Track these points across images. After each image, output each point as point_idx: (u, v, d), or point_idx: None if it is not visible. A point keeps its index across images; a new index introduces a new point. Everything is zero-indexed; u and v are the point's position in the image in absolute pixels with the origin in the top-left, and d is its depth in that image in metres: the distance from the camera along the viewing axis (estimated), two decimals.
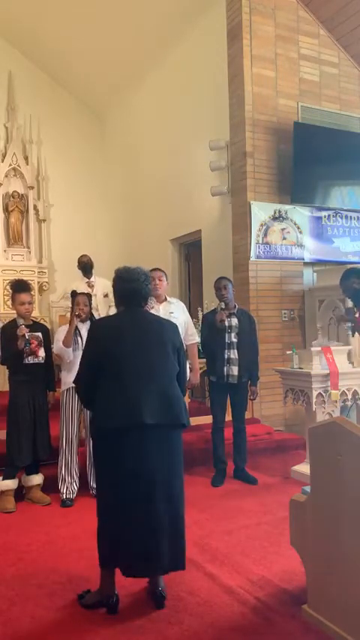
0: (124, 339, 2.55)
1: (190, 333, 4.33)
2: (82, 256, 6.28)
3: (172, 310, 4.21)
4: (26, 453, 3.98)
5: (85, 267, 6.14)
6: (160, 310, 4.14)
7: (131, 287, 2.66)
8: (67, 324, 4.18)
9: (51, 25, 7.72)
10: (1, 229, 8.51)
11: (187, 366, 4.27)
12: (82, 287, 5.55)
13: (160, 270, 4.30)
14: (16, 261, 8.49)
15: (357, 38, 6.41)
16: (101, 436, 2.53)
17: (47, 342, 4.13)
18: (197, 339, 4.46)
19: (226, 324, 4.42)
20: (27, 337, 3.92)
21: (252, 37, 5.92)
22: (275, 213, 6.00)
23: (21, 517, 3.81)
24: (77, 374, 2.75)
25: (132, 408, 2.44)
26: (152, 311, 4.04)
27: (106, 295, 6.03)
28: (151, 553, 2.48)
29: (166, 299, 4.26)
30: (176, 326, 2.83)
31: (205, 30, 6.72)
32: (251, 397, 4.63)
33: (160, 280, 4.22)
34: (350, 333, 5.01)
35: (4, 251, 8.45)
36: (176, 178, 7.45)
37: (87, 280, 6.06)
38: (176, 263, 7.80)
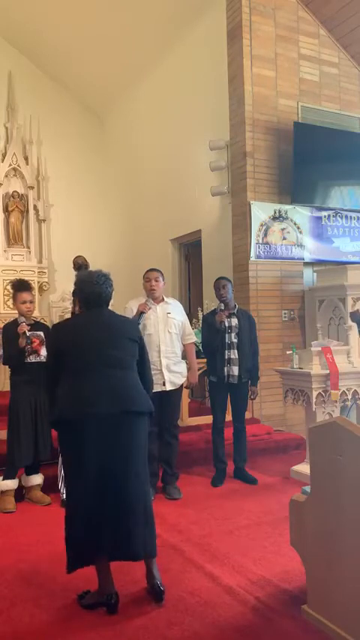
0: (82, 336, 2.66)
1: (187, 333, 4.31)
2: (76, 257, 6.26)
3: (170, 311, 4.17)
4: (27, 453, 3.98)
5: (81, 268, 6.12)
6: (158, 311, 4.12)
7: (90, 290, 2.74)
8: None
9: (51, 25, 7.72)
10: (1, 229, 8.51)
11: (185, 365, 4.27)
12: None
13: (156, 270, 4.21)
14: (16, 261, 8.50)
15: (357, 38, 6.41)
16: (59, 426, 2.63)
17: None
18: (194, 338, 4.45)
19: (226, 324, 4.42)
20: (28, 335, 3.92)
21: (252, 37, 5.92)
22: (275, 213, 6.00)
23: (21, 517, 3.81)
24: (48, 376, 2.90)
25: (87, 399, 2.53)
26: (150, 312, 4.05)
27: None
28: (107, 538, 2.52)
29: (163, 299, 4.22)
30: (134, 323, 2.98)
31: (205, 30, 6.72)
32: (251, 397, 4.63)
33: (156, 281, 4.13)
34: None
35: (4, 251, 8.46)
36: (176, 178, 7.45)
37: None
38: (176, 263, 7.80)
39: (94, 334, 2.66)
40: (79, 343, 2.64)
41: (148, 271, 4.21)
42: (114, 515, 2.53)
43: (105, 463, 2.53)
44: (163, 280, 4.22)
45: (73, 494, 2.60)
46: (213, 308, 4.71)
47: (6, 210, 8.53)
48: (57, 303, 8.65)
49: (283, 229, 6.04)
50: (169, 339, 4.10)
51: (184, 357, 4.31)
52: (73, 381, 2.60)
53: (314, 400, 4.22)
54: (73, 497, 2.59)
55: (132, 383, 2.70)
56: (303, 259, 6.18)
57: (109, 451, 2.54)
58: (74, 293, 4.31)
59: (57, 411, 2.62)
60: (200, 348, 4.84)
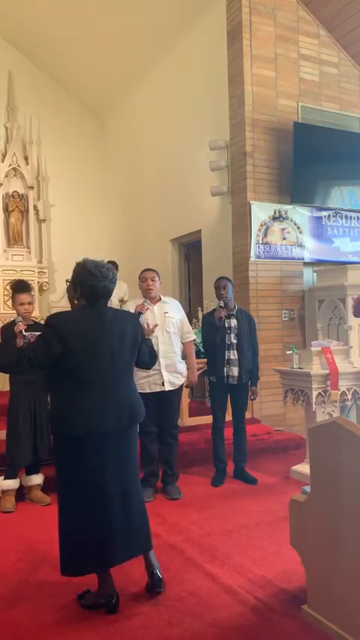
0: (89, 341, 2.52)
1: (185, 331, 4.29)
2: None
3: (167, 310, 4.15)
4: (26, 453, 3.99)
5: None
6: (155, 311, 4.10)
7: (102, 285, 2.59)
8: None
9: (51, 25, 7.71)
10: (1, 229, 8.51)
11: (185, 365, 4.27)
12: None
13: (152, 270, 4.17)
14: (16, 261, 8.50)
15: (357, 38, 6.40)
16: (61, 440, 2.55)
17: None
18: (194, 337, 4.44)
19: (226, 324, 4.42)
20: (25, 335, 3.90)
21: (252, 37, 5.92)
22: (275, 213, 6.00)
23: (21, 517, 3.82)
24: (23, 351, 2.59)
25: (93, 416, 2.48)
26: (148, 312, 4.01)
27: (121, 300, 5.95)
28: (114, 547, 2.53)
29: (160, 299, 4.19)
30: (135, 318, 2.81)
31: (205, 30, 6.72)
32: (251, 397, 4.63)
33: (152, 281, 4.09)
34: None
35: (4, 251, 8.46)
36: (176, 178, 7.44)
37: None
38: (176, 263, 7.79)
39: (99, 340, 2.53)
40: (88, 352, 2.50)
41: (143, 271, 4.19)
42: (117, 528, 2.51)
43: (105, 476, 2.51)
44: (159, 280, 4.19)
45: (71, 507, 2.54)
46: (212, 308, 4.70)
47: (6, 210, 8.54)
48: (57, 303, 8.64)
49: (283, 229, 6.04)
50: (167, 338, 4.09)
51: (184, 356, 4.30)
52: (78, 392, 2.50)
53: (314, 400, 4.22)
54: (72, 510, 2.53)
55: (133, 393, 2.69)
56: (303, 259, 6.18)
57: (111, 463, 2.53)
58: (68, 289, 4.29)
59: (61, 424, 2.52)
60: (200, 348, 4.84)
